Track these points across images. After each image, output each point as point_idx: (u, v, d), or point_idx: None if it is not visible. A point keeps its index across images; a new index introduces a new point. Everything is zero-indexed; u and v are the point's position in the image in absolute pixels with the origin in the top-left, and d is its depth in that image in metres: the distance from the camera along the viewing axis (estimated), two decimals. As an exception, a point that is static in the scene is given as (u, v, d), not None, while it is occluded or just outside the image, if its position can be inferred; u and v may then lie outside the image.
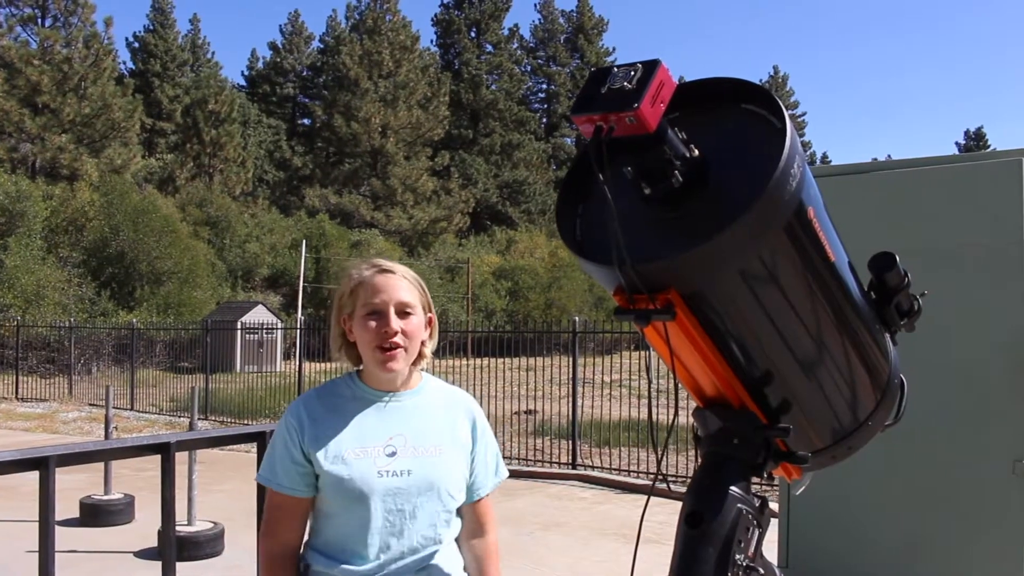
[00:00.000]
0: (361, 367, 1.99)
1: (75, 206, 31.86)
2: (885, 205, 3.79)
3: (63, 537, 4.31)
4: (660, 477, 1.34)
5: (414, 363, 1.99)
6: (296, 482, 1.89)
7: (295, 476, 1.89)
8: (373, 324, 1.88)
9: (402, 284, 1.93)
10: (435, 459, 1.92)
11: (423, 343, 1.98)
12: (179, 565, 3.81)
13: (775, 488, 4.97)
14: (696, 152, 1.10)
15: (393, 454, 1.89)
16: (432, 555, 1.92)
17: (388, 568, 1.86)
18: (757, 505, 1.25)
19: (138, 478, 8.53)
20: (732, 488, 1.23)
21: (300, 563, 1.94)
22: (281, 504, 1.92)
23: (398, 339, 1.88)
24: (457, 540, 2.04)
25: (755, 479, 1.29)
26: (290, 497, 1.90)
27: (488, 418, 2.11)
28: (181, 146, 47.39)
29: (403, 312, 1.91)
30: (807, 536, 3.98)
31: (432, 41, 65.91)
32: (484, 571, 2.04)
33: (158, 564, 3.80)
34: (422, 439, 1.93)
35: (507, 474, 2.13)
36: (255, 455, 4.03)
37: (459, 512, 2.04)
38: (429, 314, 2.00)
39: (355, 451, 1.87)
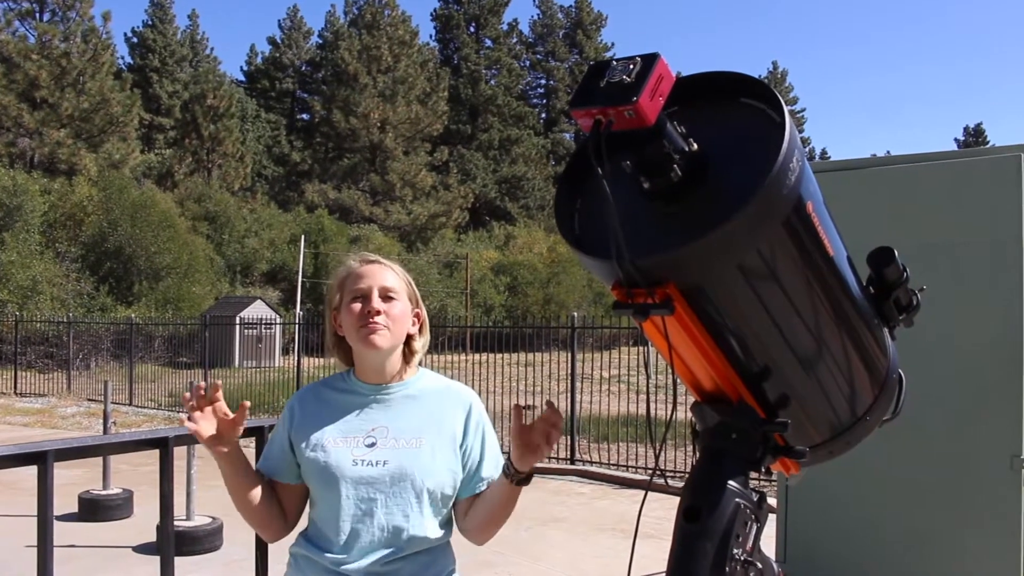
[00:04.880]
0: (354, 366, 2.03)
1: (73, 201, 31.84)
2: (884, 201, 3.79)
3: (62, 532, 4.31)
4: (658, 472, 1.33)
5: (406, 360, 2.02)
6: (279, 465, 2.00)
7: (279, 460, 2.00)
8: (357, 306, 1.93)
9: (386, 271, 1.99)
10: (414, 451, 1.93)
11: (412, 338, 2.02)
12: (177, 560, 3.81)
13: (773, 483, 4.98)
14: (695, 146, 1.10)
15: (372, 444, 1.93)
16: (410, 550, 1.91)
17: (358, 554, 1.89)
18: (755, 500, 1.25)
19: (137, 473, 8.53)
20: (730, 483, 1.23)
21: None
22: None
23: (380, 319, 1.92)
24: (467, 532, 2.04)
25: (753, 474, 1.29)
26: (272, 479, 2.00)
27: (487, 413, 2.10)
28: (180, 141, 47.38)
29: (386, 297, 1.95)
30: (805, 531, 3.99)
31: (431, 36, 65.98)
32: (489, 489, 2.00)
33: (157, 559, 3.81)
34: (404, 431, 1.95)
35: None
36: (253, 450, 4.03)
37: (457, 507, 2.04)
38: (417, 309, 2.03)
39: (335, 440, 1.93)
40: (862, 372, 1.33)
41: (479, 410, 2.07)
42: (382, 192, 50.86)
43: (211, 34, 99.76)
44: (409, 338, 2.02)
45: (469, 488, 2.02)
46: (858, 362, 1.32)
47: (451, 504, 2.02)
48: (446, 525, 2.01)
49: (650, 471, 9.65)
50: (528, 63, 68.70)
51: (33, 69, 35.36)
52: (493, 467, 2.04)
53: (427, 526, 1.94)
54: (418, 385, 2.04)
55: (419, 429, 1.96)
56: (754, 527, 1.24)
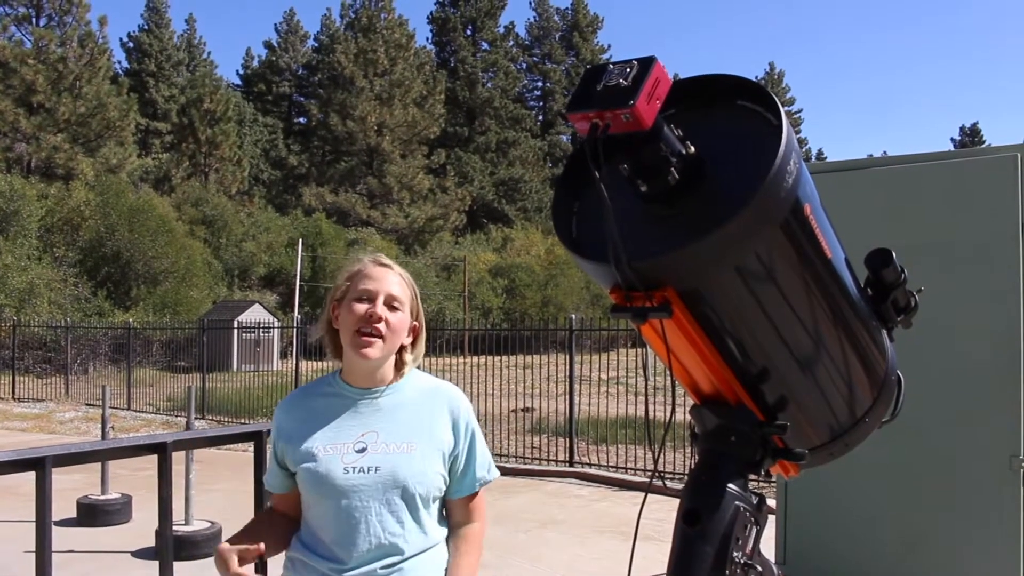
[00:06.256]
0: (341, 367, 2.04)
1: (71, 205, 31.83)
2: (881, 201, 3.79)
3: (60, 537, 4.31)
4: (657, 474, 1.33)
5: (396, 370, 2.02)
6: (277, 478, 2.02)
7: (276, 473, 2.02)
8: (360, 307, 1.93)
9: (396, 279, 1.98)
10: (405, 456, 1.93)
11: (404, 348, 2.02)
12: (176, 565, 3.80)
13: (772, 485, 4.98)
14: (692, 149, 1.10)
15: (363, 450, 1.93)
16: (406, 554, 1.91)
17: (354, 560, 1.89)
18: (754, 502, 1.25)
19: (135, 478, 8.52)
20: (729, 486, 1.23)
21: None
22: (273, 498, 2.08)
23: (380, 326, 1.92)
24: (449, 537, 2.06)
25: (752, 476, 1.29)
26: (273, 493, 2.05)
27: (485, 416, 2.12)
28: (177, 145, 47.37)
29: (391, 305, 1.95)
30: (805, 533, 3.98)
31: (428, 39, 66.03)
32: (455, 553, 2.03)
33: (155, 564, 3.80)
34: (394, 436, 1.95)
35: (498, 474, 2.12)
36: (252, 454, 4.03)
37: (447, 508, 2.05)
38: (415, 321, 2.03)
39: (326, 447, 1.93)
40: (861, 374, 1.33)
41: (468, 412, 2.07)
42: (379, 195, 50.85)
43: (207, 38, 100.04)
44: (401, 348, 2.01)
45: (461, 490, 2.03)
46: (857, 364, 1.32)
47: (441, 504, 2.03)
48: (441, 523, 2.02)
49: (649, 473, 9.64)
50: (525, 65, 68.79)
51: (30, 74, 35.32)
52: (484, 469, 2.05)
53: (420, 529, 1.95)
54: (407, 388, 2.04)
55: (409, 433, 1.96)
56: (754, 530, 1.24)
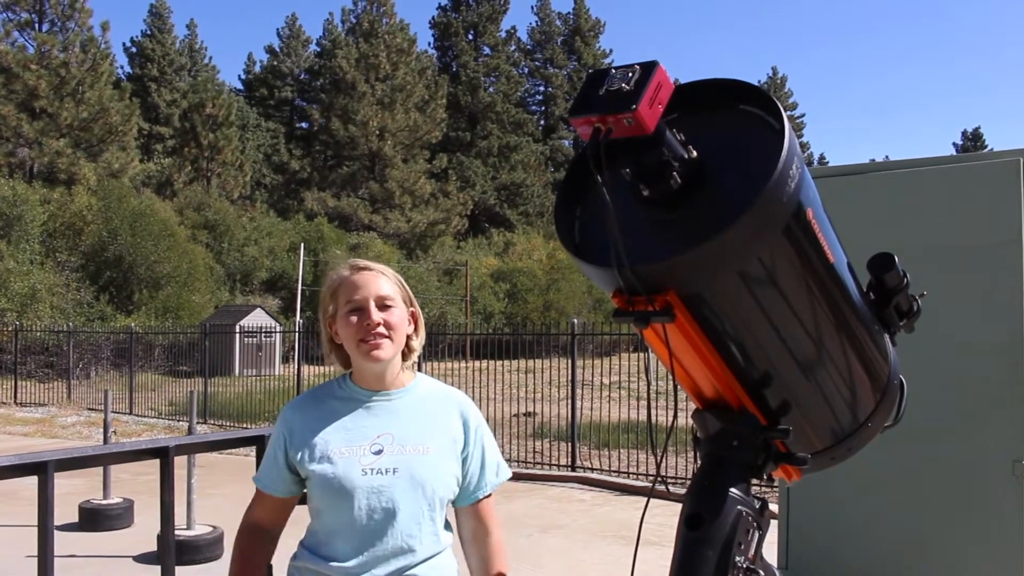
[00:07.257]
0: (351, 370, 2.03)
1: (73, 210, 31.86)
2: (883, 206, 3.78)
3: (62, 542, 4.30)
4: (659, 479, 1.33)
5: (403, 359, 2.02)
6: (275, 480, 1.99)
7: (275, 475, 1.99)
8: (355, 319, 1.93)
9: (380, 279, 1.98)
10: (422, 457, 1.93)
11: (409, 337, 2.02)
12: (178, 569, 3.80)
13: (775, 490, 4.97)
14: (694, 153, 1.10)
15: (379, 452, 1.92)
16: (419, 558, 1.91)
17: (369, 564, 1.88)
18: (757, 507, 1.24)
19: (137, 482, 8.52)
20: (732, 490, 1.22)
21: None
22: (259, 497, 2.05)
23: (380, 330, 1.91)
24: (463, 545, 2.06)
25: (755, 481, 1.28)
26: (265, 494, 2.02)
27: (487, 420, 2.11)
28: (179, 150, 47.41)
29: (383, 305, 1.94)
30: (807, 537, 3.98)
31: (429, 44, 66.09)
32: (489, 568, 2.03)
33: (157, 568, 3.80)
34: (409, 437, 1.95)
35: (509, 474, 2.13)
36: (254, 459, 4.03)
37: (458, 515, 2.05)
38: (411, 308, 2.03)
39: (341, 450, 1.92)
40: (863, 378, 1.33)
41: (477, 415, 2.08)
42: (381, 200, 50.86)
43: (209, 43, 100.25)
44: (407, 337, 2.02)
45: (473, 495, 2.03)
46: (859, 368, 1.32)
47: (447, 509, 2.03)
48: (447, 529, 2.03)
49: (651, 478, 9.63)
50: (526, 70, 68.82)
51: (32, 79, 35.36)
52: (494, 473, 2.06)
53: (436, 531, 1.95)
54: (418, 391, 2.04)
55: (423, 435, 1.96)
56: (756, 534, 1.23)
